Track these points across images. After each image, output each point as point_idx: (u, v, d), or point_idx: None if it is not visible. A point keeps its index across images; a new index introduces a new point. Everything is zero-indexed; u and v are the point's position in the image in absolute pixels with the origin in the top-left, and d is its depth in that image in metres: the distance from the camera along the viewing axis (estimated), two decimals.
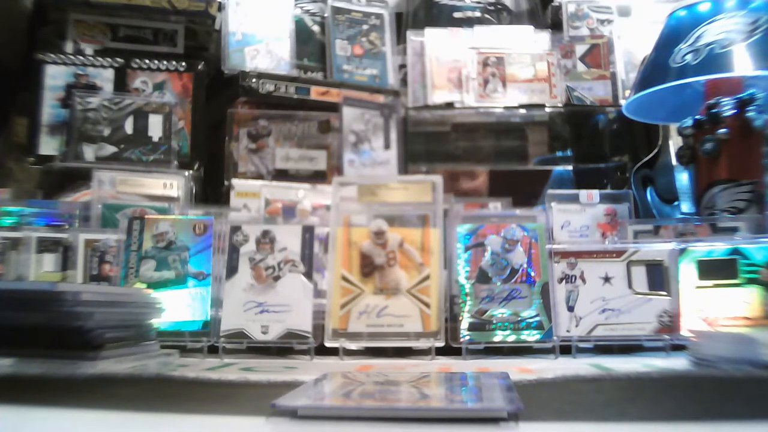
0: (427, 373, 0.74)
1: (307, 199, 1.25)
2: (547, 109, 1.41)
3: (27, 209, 1.10)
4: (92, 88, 1.29)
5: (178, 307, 0.94)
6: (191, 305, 0.96)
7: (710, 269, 0.93)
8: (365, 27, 1.50)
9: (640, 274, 0.96)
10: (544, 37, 1.49)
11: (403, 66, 1.48)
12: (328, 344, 0.94)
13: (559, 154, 1.42)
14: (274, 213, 1.23)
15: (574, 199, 1.16)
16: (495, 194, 1.34)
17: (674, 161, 1.34)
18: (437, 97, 1.42)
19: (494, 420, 0.48)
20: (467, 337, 0.94)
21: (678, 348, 0.90)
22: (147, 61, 1.34)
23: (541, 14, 1.60)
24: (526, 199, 1.28)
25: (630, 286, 0.96)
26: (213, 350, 0.93)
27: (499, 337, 0.94)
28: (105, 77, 1.31)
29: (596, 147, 1.41)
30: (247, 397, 0.60)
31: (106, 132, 1.26)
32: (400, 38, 1.51)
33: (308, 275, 0.98)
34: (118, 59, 1.33)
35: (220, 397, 0.60)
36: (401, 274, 0.98)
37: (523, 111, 1.40)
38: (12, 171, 1.35)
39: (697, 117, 1.13)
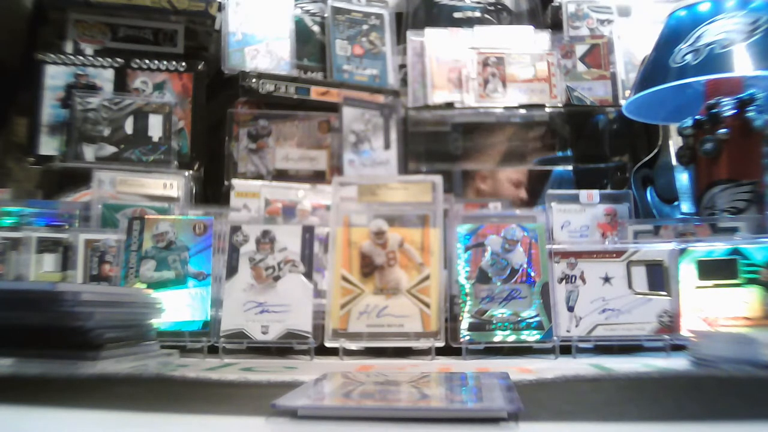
0: (427, 373, 0.74)
1: (307, 199, 1.25)
2: (547, 109, 1.40)
3: (27, 209, 1.10)
4: (92, 88, 1.29)
5: (178, 307, 0.94)
6: (191, 305, 0.96)
7: (710, 269, 0.93)
8: (365, 27, 1.50)
9: (640, 274, 0.96)
10: (544, 37, 1.48)
11: (403, 66, 1.48)
12: (328, 344, 0.94)
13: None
14: (274, 213, 1.23)
15: (574, 199, 1.15)
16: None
17: (674, 161, 1.33)
18: (437, 97, 1.42)
19: (494, 420, 0.48)
20: (467, 337, 0.94)
21: (678, 348, 0.90)
22: (147, 61, 1.34)
23: (541, 14, 1.60)
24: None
25: (630, 286, 0.96)
26: (213, 350, 0.93)
27: (499, 337, 0.94)
28: (105, 77, 1.31)
29: (596, 147, 1.41)
30: (247, 397, 0.60)
31: (106, 132, 1.26)
32: (400, 38, 1.50)
33: (308, 275, 0.98)
34: (118, 59, 1.33)
35: (220, 397, 0.60)
36: (401, 274, 0.98)
37: (523, 111, 1.40)
38: (12, 171, 1.35)
39: (697, 117, 1.13)
